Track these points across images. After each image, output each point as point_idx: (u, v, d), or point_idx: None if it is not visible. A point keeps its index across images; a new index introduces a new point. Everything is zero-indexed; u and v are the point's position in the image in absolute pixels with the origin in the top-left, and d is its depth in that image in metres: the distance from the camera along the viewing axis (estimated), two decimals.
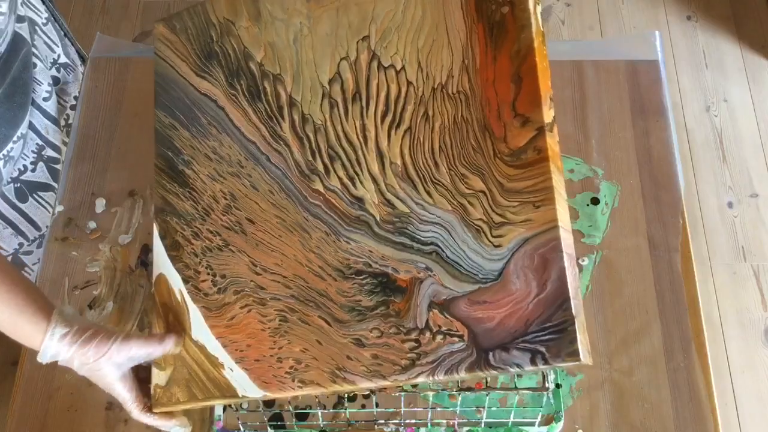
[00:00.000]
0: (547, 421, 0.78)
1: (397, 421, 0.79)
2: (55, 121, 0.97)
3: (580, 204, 0.90)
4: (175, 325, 0.71)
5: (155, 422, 0.70)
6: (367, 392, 0.80)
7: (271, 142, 0.69)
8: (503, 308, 0.54)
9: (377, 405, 0.78)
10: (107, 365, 0.64)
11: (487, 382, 0.73)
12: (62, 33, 1.01)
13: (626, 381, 0.81)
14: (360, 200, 0.63)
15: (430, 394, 0.80)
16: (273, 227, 0.68)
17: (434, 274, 0.58)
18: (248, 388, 0.65)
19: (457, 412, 0.78)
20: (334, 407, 0.80)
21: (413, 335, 0.58)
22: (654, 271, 0.86)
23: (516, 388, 0.72)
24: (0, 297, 0.61)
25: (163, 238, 0.74)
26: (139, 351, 0.66)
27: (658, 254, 0.87)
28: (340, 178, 0.65)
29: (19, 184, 0.94)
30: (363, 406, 0.80)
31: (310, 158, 0.67)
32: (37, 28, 0.93)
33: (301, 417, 0.80)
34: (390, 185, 0.62)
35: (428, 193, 0.60)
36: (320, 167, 0.66)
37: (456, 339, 0.56)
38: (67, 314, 0.64)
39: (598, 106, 0.97)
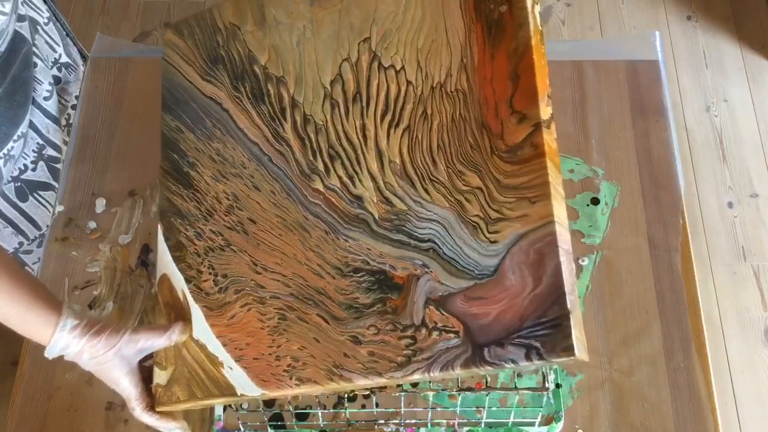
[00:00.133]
0: (547, 421, 0.78)
1: (397, 421, 0.79)
2: (55, 121, 0.97)
3: (580, 204, 0.90)
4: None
5: (156, 422, 0.70)
6: (367, 392, 0.80)
7: (273, 143, 0.70)
8: (499, 304, 0.54)
9: (377, 405, 0.78)
10: (116, 358, 0.65)
11: (487, 382, 0.73)
12: (64, 33, 1.01)
13: (626, 381, 0.81)
14: (359, 199, 0.64)
15: (430, 394, 0.80)
16: (274, 227, 0.68)
17: (431, 271, 0.58)
18: (247, 387, 0.65)
19: (457, 412, 0.78)
20: (334, 407, 0.80)
21: (409, 332, 0.58)
22: (654, 271, 0.86)
23: (516, 388, 0.72)
24: (7, 292, 0.61)
25: (167, 239, 0.75)
26: (147, 342, 0.67)
27: (658, 254, 0.87)
28: (339, 177, 0.65)
29: (19, 183, 0.94)
30: (363, 406, 0.80)
31: (311, 158, 0.67)
32: (38, 27, 0.93)
33: (301, 417, 0.80)
34: (389, 183, 0.62)
35: (426, 190, 0.60)
36: (321, 167, 0.67)
37: (452, 335, 0.56)
38: (76, 309, 0.65)
39: (598, 106, 0.97)
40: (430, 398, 0.80)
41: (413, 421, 0.79)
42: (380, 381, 0.59)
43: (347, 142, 0.65)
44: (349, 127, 0.65)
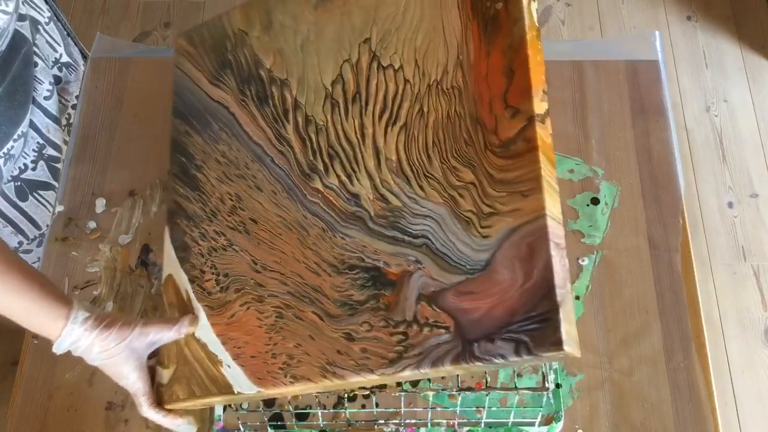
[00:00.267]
0: (547, 421, 0.78)
1: (397, 421, 0.79)
2: (56, 120, 0.97)
3: (580, 204, 0.90)
4: None
5: (162, 419, 0.70)
6: (367, 392, 0.80)
7: (276, 144, 0.71)
8: (489, 298, 0.54)
9: (377, 405, 0.78)
10: (126, 351, 0.65)
11: (487, 382, 0.73)
12: (65, 32, 1.01)
13: (626, 381, 0.81)
14: (356, 196, 0.64)
15: (430, 394, 0.80)
16: (274, 226, 0.69)
17: (424, 267, 0.58)
18: (243, 385, 0.65)
19: (457, 412, 0.78)
20: (334, 407, 0.80)
21: (401, 328, 0.58)
22: (654, 271, 0.86)
23: (516, 388, 0.72)
24: (16, 286, 0.61)
25: (173, 240, 0.76)
26: (157, 335, 0.67)
27: (658, 254, 0.87)
28: (338, 176, 0.66)
29: (19, 183, 0.94)
30: (363, 406, 0.80)
31: (311, 158, 0.68)
32: (39, 27, 0.93)
33: (301, 417, 0.80)
34: (385, 181, 0.62)
35: (421, 187, 0.60)
36: (320, 166, 0.67)
37: (442, 331, 0.55)
38: (85, 303, 0.65)
39: (598, 106, 0.97)
40: (430, 398, 0.80)
41: (413, 421, 0.79)
42: (372, 378, 0.58)
43: (346, 142, 0.66)
44: (348, 126, 0.66)
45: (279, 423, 0.80)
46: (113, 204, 0.93)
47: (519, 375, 0.81)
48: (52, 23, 0.97)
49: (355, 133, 0.65)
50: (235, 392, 0.65)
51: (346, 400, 0.80)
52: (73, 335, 0.63)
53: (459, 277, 0.56)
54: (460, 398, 0.77)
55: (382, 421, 0.79)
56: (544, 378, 0.71)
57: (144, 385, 0.68)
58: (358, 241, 0.63)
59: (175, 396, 0.69)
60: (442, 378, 0.80)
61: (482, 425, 0.77)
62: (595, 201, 0.91)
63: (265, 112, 0.72)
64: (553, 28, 1.91)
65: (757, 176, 1.72)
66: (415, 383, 0.80)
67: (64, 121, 1.00)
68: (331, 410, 0.80)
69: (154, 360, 0.71)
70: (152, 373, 0.70)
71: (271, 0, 0.74)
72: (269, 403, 0.81)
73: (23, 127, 0.88)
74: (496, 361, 0.52)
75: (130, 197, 0.93)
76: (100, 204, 0.93)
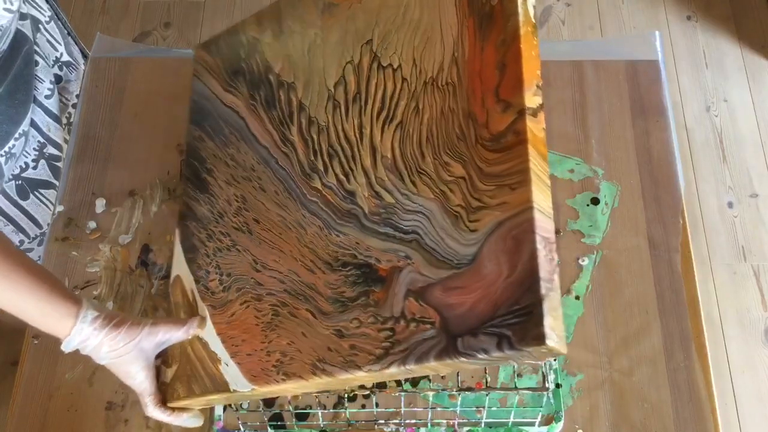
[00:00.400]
0: (547, 421, 0.78)
1: (397, 421, 0.79)
2: (57, 119, 0.97)
3: (580, 204, 0.90)
4: None
5: (167, 418, 0.70)
6: (367, 392, 0.80)
7: (280, 145, 0.72)
8: (474, 293, 0.53)
9: (377, 405, 0.78)
10: (135, 351, 0.65)
11: (487, 382, 0.73)
12: (65, 31, 1.01)
13: (626, 381, 0.81)
14: (352, 194, 0.64)
15: (430, 394, 0.80)
16: (275, 226, 0.69)
17: (413, 262, 0.58)
18: (239, 382, 0.65)
19: (457, 412, 0.78)
20: (334, 407, 0.80)
21: (389, 324, 0.57)
22: (654, 271, 0.86)
23: (516, 388, 0.72)
24: (26, 285, 0.61)
25: (182, 241, 0.77)
26: (165, 335, 0.67)
27: (658, 254, 0.87)
28: (336, 175, 0.66)
29: (20, 182, 0.94)
30: (363, 406, 0.80)
31: (312, 158, 0.68)
32: (40, 26, 0.94)
33: (301, 417, 0.80)
34: (380, 178, 0.63)
35: (413, 183, 0.60)
36: (320, 166, 0.67)
37: (428, 326, 0.55)
38: (95, 302, 0.65)
39: (598, 106, 0.97)
40: (430, 398, 0.80)
41: (413, 421, 0.79)
42: (359, 374, 0.58)
43: (345, 141, 0.66)
44: (348, 126, 0.66)
45: (279, 423, 0.80)
46: (113, 204, 0.93)
47: (519, 375, 0.81)
48: (52, 22, 0.97)
49: (354, 132, 0.65)
50: (232, 390, 0.65)
51: (346, 400, 0.80)
52: (83, 334, 0.63)
53: (446, 272, 0.55)
54: (460, 398, 0.77)
55: (382, 421, 0.79)
56: (544, 378, 0.71)
57: (150, 385, 0.68)
58: (351, 238, 0.63)
59: (176, 394, 0.70)
60: (442, 378, 0.80)
61: (482, 425, 0.77)
62: (595, 201, 0.91)
63: (272, 115, 0.73)
64: (553, 28, 1.91)
65: (757, 176, 1.72)
66: (415, 383, 0.80)
67: (64, 120, 1.00)
68: (331, 410, 0.80)
69: (160, 360, 0.71)
70: (158, 373, 0.71)
71: (282, 7, 0.76)
72: (269, 403, 0.81)
73: (24, 125, 0.88)
74: (480, 356, 0.51)
75: (130, 197, 0.93)
76: (100, 204, 0.93)
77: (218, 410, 0.79)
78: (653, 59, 0.99)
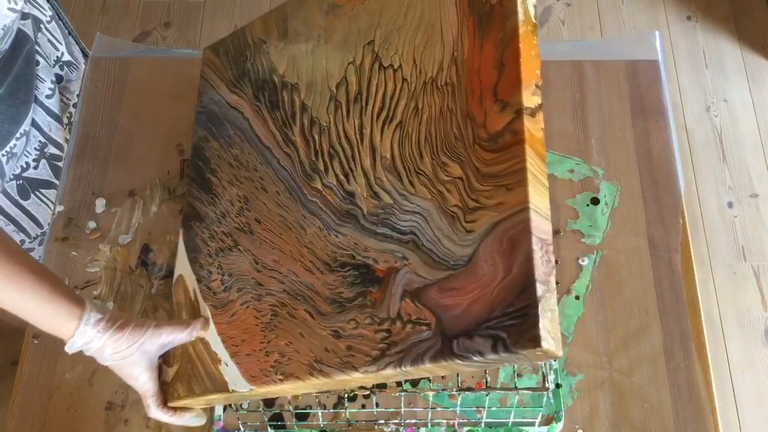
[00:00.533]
0: (547, 421, 0.78)
1: (397, 421, 0.79)
2: (57, 119, 0.97)
3: (580, 204, 0.90)
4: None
5: (170, 419, 0.70)
6: (367, 392, 0.80)
7: (282, 146, 0.72)
8: (470, 294, 0.52)
9: (377, 405, 0.78)
10: (138, 353, 0.65)
11: (487, 382, 0.73)
12: (66, 31, 1.01)
13: (626, 381, 0.81)
14: (351, 195, 0.64)
15: (430, 394, 0.80)
16: (275, 226, 0.69)
17: (410, 263, 0.57)
18: (237, 383, 0.65)
19: (457, 412, 0.78)
20: (334, 407, 0.80)
21: (385, 325, 0.57)
22: (654, 271, 0.86)
23: (516, 388, 0.72)
24: (29, 287, 0.61)
25: (186, 241, 0.77)
26: (169, 337, 0.67)
27: (658, 254, 0.87)
28: (336, 175, 0.66)
29: (21, 181, 0.94)
30: (363, 406, 0.80)
31: (313, 158, 0.69)
32: (41, 26, 0.94)
33: (301, 417, 0.80)
34: (378, 178, 0.63)
35: (411, 183, 0.60)
36: (321, 166, 0.68)
37: (424, 328, 0.54)
38: (98, 304, 0.65)
39: (598, 106, 0.97)
40: (430, 398, 0.80)
41: (413, 421, 0.79)
42: (356, 376, 0.58)
43: (346, 141, 0.66)
44: (349, 126, 0.66)
45: (279, 423, 0.80)
46: (113, 204, 0.93)
47: (519, 375, 0.81)
48: (53, 22, 0.97)
49: (355, 132, 0.66)
50: (231, 390, 0.66)
51: (346, 400, 0.80)
52: (86, 336, 0.63)
53: (443, 273, 0.55)
54: (460, 398, 0.77)
55: (382, 421, 0.79)
56: (544, 378, 0.71)
57: (153, 387, 0.68)
58: (350, 238, 0.63)
59: (176, 393, 0.70)
60: (443, 378, 0.80)
61: (482, 425, 0.77)
62: (595, 201, 0.91)
63: (276, 116, 0.74)
64: (553, 28, 1.91)
65: (757, 176, 1.72)
66: (415, 383, 0.80)
67: (65, 120, 1.00)
68: (331, 410, 0.80)
69: (161, 359, 0.71)
70: (159, 373, 0.71)
71: (288, 8, 0.76)
72: (269, 403, 0.81)
73: (25, 125, 0.88)
74: (475, 358, 0.51)
75: (130, 197, 0.93)
76: (100, 204, 0.93)
77: (218, 410, 0.79)
78: (653, 59, 0.99)
